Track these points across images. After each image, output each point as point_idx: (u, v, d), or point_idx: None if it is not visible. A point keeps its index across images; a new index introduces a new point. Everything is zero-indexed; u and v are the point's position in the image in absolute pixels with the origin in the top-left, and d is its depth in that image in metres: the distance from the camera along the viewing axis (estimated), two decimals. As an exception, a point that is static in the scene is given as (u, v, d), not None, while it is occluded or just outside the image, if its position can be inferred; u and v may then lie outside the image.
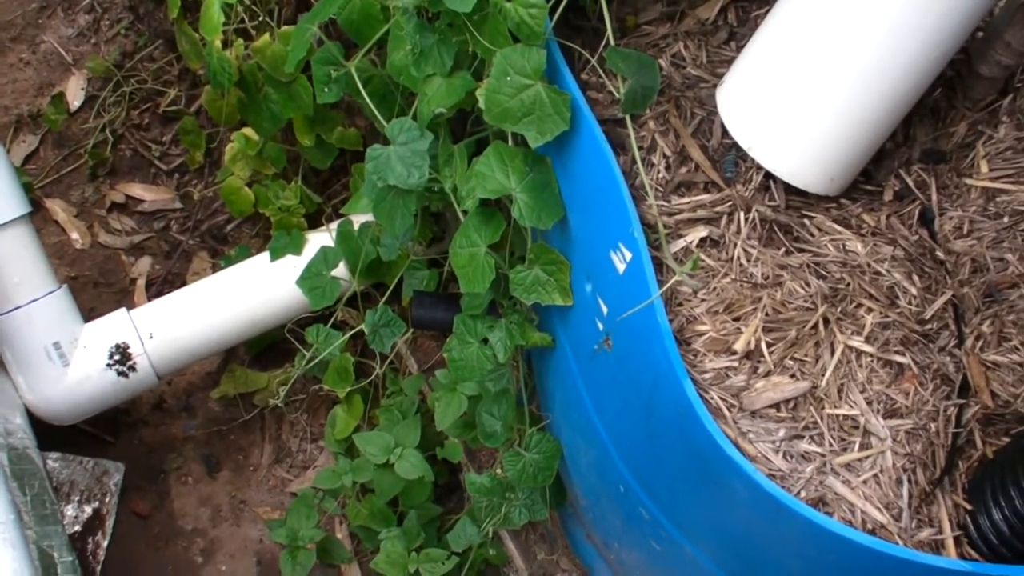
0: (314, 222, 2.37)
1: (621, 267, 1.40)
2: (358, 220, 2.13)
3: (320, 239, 2.23)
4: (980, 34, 1.56)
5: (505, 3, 1.42)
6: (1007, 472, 1.33)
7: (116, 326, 2.20)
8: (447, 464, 2.29)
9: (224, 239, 2.71)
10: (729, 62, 1.58)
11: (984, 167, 1.57)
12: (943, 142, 1.60)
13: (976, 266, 1.50)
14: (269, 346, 2.54)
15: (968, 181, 1.57)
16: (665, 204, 1.49)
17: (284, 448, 2.60)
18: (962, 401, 1.43)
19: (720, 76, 1.57)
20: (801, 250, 1.48)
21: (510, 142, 1.54)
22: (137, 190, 2.74)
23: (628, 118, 1.45)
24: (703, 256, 1.45)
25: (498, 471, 1.91)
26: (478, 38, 1.48)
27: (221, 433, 2.58)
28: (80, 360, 2.17)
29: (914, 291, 1.48)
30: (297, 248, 2.23)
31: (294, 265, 2.21)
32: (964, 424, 1.42)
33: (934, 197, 1.56)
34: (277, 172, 2.37)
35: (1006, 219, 1.52)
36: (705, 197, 1.50)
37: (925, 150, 1.59)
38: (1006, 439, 1.42)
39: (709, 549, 1.53)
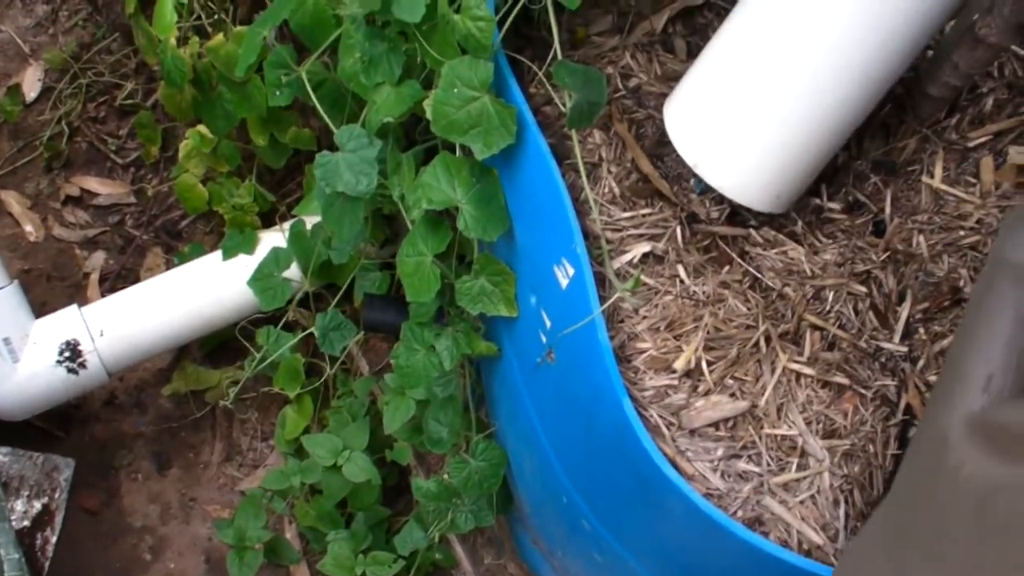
0: (268, 221, 2.36)
1: (564, 282, 1.40)
2: (311, 220, 2.12)
3: (273, 239, 2.22)
4: (930, 52, 1.56)
5: (453, 15, 1.42)
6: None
7: (67, 323, 2.19)
8: (397, 466, 2.29)
9: (178, 235, 2.70)
10: (679, 75, 1.58)
11: (936, 180, 1.58)
12: (894, 156, 1.61)
13: (924, 281, 1.51)
14: (221, 343, 2.53)
15: (916, 195, 1.57)
16: (609, 219, 1.49)
17: (235, 446, 2.59)
18: (906, 418, 1.43)
19: (670, 88, 1.57)
20: (745, 265, 1.49)
21: (458, 152, 1.54)
22: (92, 183, 2.72)
23: (574, 132, 1.45)
24: (646, 272, 1.45)
25: (445, 476, 1.90)
26: (427, 48, 1.48)
27: (172, 430, 2.57)
28: (30, 357, 2.16)
29: (859, 308, 1.49)
30: (249, 247, 2.22)
31: (246, 264, 2.20)
32: (905, 446, 1.43)
33: (887, 210, 1.57)
34: (231, 170, 2.36)
35: (957, 232, 1.53)
36: (649, 211, 1.50)
37: (876, 163, 1.60)
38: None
39: (650, 563, 1.54)
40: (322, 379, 2.24)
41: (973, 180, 1.57)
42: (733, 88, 1.41)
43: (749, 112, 1.40)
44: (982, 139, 1.58)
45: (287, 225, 2.17)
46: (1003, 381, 0.66)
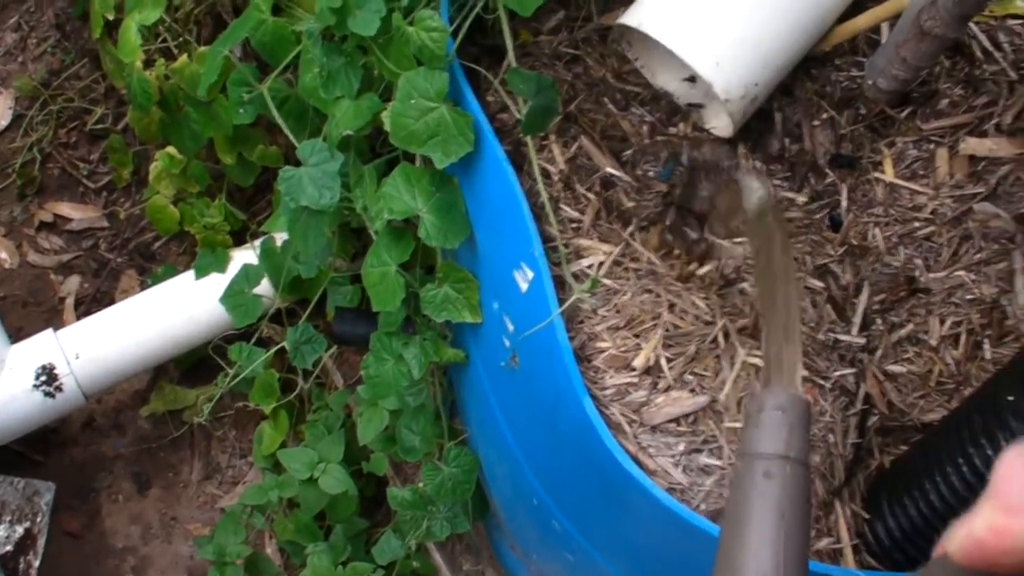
0: (240, 239, 2.38)
1: (524, 286, 1.42)
2: (281, 237, 2.14)
3: (244, 256, 2.24)
4: (877, 51, 1.59)
5: (407, 27, 1.44)
6: (901, 481, 1.36)
7: (42, 347, 2.20)
8: (375, 477, 2.30)
9: (152, 257, 2.72)
10: (632, 71, 1.61)
11: (888, 172, 1.60)
12: (847, 151, 1.63)
13: (881, 273, 1.53)
14: (198, 362, 2.54)
15: (871, 189, 1.59)
16: (567, 222, 1.51)
17: (214, 464, 2.60)
18: (865, 407, 1.45)
19: (625, 84, 1.60)
20: (703, 262, 1.51)
21: (419, 162, 1.56)
22: (65, 209, 2.74)
23: (529, 137, 1.47)
24: (605, 273, 1.47)
25: (420, 484, 1.92)
26: (383, 61, 1.50)
27: (151, 450, 2.58)
28: (6, 382, 2.17)
29: (817, 302, 1.51)
30: (221, 266, 2.24)
31: (219, 283, 2.22)
32: (865, 435, 1.45)
33: (843, 204, 1.59)
34: (202, 190, 2.37)
35: (911, 224, 1.55)
36: (608, 213, 1.52)
37: (832, 158, 1.62)
38: (904, 447, 1.45)
39: (620, 561, 1.55)
40: (295, 392, 2.25)
41: (926, 172, 1.59)
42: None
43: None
44: (935, 132, 1.61)
45: (258, 242, 2.19)
46: None
